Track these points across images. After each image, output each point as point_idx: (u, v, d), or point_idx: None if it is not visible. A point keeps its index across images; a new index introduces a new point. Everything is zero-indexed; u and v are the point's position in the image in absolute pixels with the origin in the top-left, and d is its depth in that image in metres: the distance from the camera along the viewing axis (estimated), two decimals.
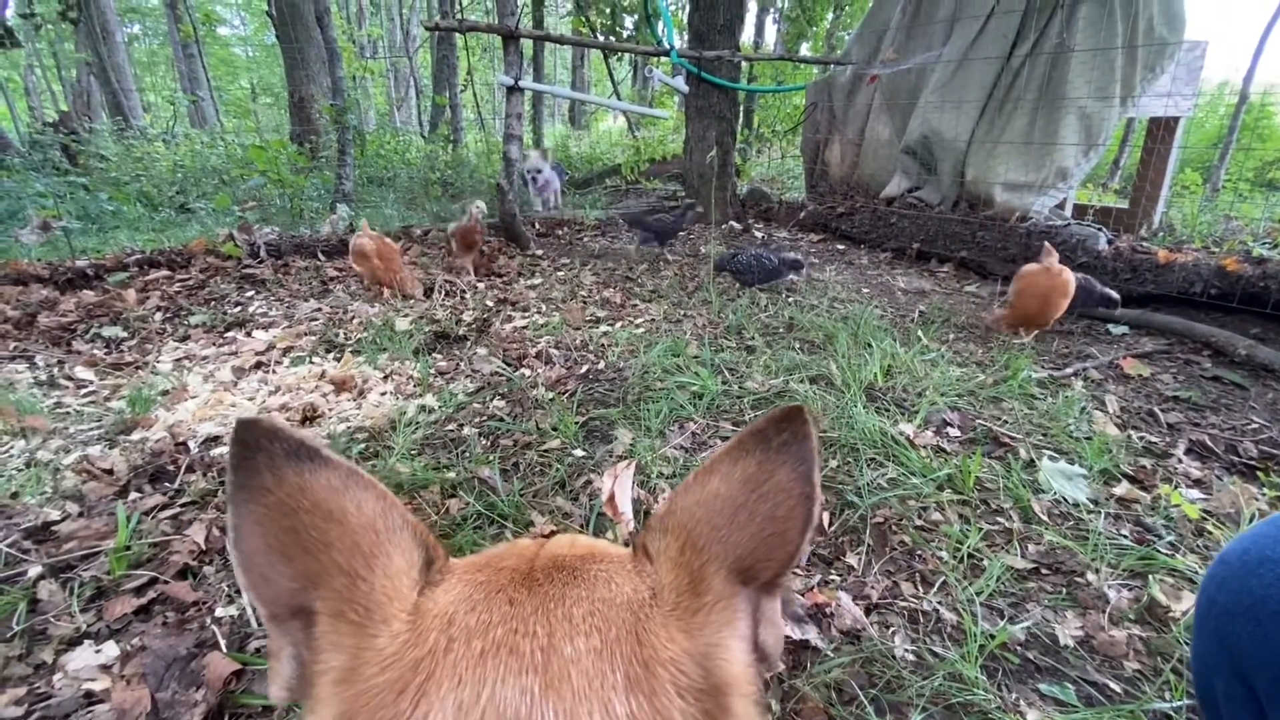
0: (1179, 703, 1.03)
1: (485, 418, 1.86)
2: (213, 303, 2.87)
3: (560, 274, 3.56)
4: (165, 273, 3.23)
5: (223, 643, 1.10)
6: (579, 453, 1.66)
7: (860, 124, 5.04)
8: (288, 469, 0.35)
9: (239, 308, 2.83)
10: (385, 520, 0.36)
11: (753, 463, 0.36)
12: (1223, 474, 1.70)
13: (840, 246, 4.49)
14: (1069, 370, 2.33)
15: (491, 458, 1.62)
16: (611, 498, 1.35)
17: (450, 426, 1.83)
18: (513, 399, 1.98)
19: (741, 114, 6.28)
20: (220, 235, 3.69)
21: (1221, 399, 2.16)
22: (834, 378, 2.13)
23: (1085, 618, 1.21)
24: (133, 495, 1.49)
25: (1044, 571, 1.33)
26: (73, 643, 1.10)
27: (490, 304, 2.93)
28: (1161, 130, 4.17)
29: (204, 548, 1.33)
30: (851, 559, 1.35)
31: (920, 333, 2.60)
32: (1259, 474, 1.68)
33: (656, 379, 2.12)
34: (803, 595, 1.22)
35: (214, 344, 2.41)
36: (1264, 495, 1.57)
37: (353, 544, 0.34)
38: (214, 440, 1.73)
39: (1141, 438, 1.85)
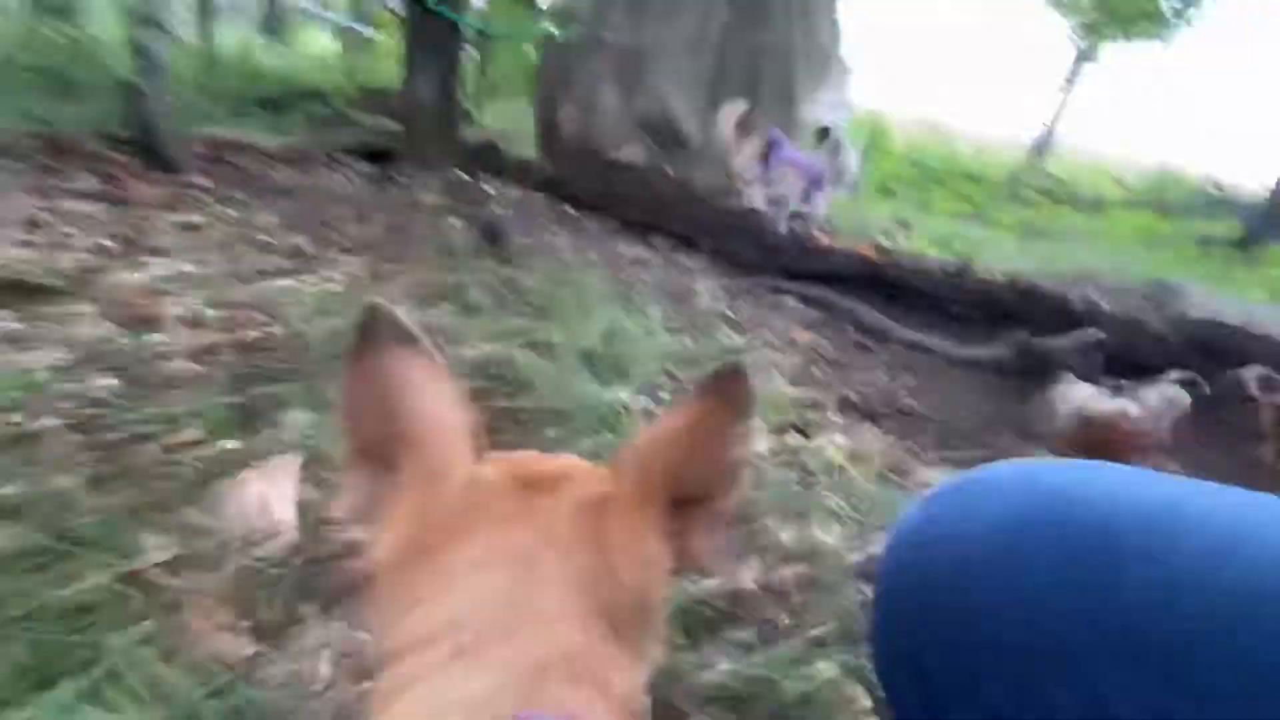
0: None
1: (80, 403, 1.33)
2: None
3: (233, 211, 2.83)
4: None
5: None
6: (229, 444, 1.28)
7: (592, 90, 5.06)
8: (396, 348, 0.45)
9: None
10: (455, 412, 0.47)
11: (701, 405, 0.46)
12: (856, 421, 2.08)
13: (572, 211, 4.48)
14: (755, 340, 2.66)
15: (81, 460, 1.15)
16: (265, 502, 1.05)
17: (15, 418, 1.26)
18: (130, 376, 1.46)
19: (477, 62, 5.81)
20: None
21: (857, 359, 2.68)
22: (555, 344, 2.06)
23: (763, 560, 1.33)
24: None
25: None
26: None
27: (107, 243, 2.14)
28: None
29: None
30: None
31: (640, 300, 2.69)
32: (878, 421, 2.11)
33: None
34: None
35: None
36: (886, 439, 1.96)
37: (437, 415, 0.46)
38: None
39: (807, 395, 2.18)
